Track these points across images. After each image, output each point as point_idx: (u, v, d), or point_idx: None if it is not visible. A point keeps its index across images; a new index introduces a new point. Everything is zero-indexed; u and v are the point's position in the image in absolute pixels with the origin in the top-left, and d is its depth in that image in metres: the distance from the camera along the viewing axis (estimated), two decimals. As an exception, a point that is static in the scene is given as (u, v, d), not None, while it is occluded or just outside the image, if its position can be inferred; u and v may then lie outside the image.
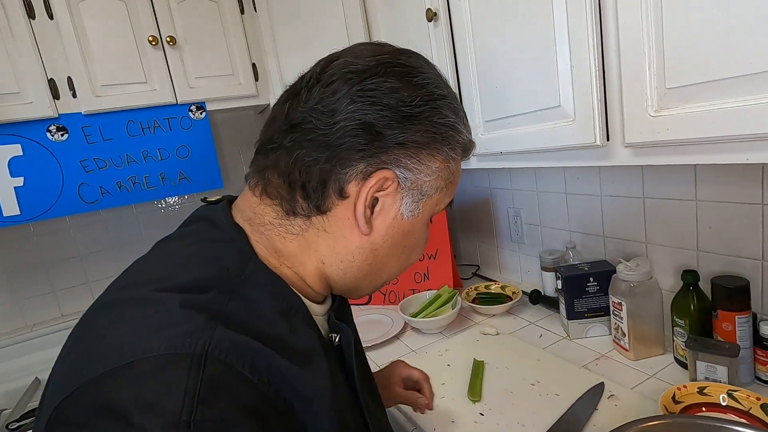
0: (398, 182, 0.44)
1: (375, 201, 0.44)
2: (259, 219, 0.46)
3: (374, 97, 0.41)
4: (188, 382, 0.31)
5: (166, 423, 0.29)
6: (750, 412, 0.68)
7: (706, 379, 0.76)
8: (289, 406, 0.37)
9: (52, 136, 1.23)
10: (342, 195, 0.43)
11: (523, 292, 1.31)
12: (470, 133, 0.49)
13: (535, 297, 1.26)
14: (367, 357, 1.10)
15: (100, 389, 0.31)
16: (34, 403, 1.25)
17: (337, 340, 0.48)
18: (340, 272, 0.47)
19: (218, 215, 0.47)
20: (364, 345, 0.74)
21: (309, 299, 0.47)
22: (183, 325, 0.34)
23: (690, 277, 0.85)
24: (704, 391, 0.73)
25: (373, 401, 0.56)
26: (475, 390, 0.87)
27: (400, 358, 1.09)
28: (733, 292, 0.78)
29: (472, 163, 1.02)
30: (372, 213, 0.45)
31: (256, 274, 0.42)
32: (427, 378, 0.79)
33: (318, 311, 0.48)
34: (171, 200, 1.66)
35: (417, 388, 0.79)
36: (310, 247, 0.46)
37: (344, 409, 0.44)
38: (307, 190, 0.43)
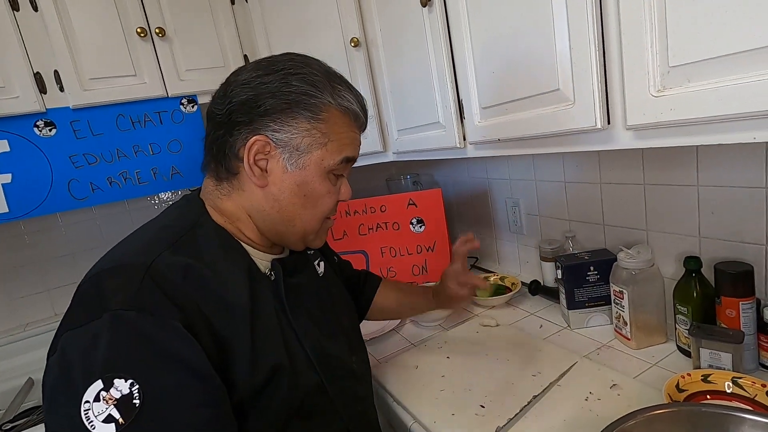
0: (273, 143, 0.58)
1: (266, 162, 0.59)
2: (207, 190, 0.64)
3: (247, 83, 0.57)
4: (135, 284, 0.48)
5: (122, 301, 0.47)
6: (755, 398, 0.67)
7: (710, 366, 0.75)
8: (209, 309, 0.52)
9: (40, 131, 1.20)
10: (238, 157, 0.59)
11: (522, 282, 1.30)
12: (345, 100, 0.60)
13: (535, 287, 1.25)
14: (368, 351, 1.08)
15: (96, 276, 0.51)
16: (28, 404, 1.23)
17: (271, 275, 0.62)
18: (261, 221, 0.62)
19: (191, 195, 0.65)
20: (364, 338, 0.87)
21: (253, 248, 0.63)
22: (145, 248, 0.54)
23: (693, 263, 0.83)
24: (708, 378, 0.72)
25: (324, 333, 0.67)
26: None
27: (399, 352, 1.08)
28: (737, 278, 0.77)
29: (469, 152, 1.00)
30: (265, 172, 0.59)
31: (206, 223, 0.60)
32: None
33: (261, 257, 0.63)
34: (164, 196, 1.62)
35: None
36: (238, 205, 0.62)
37: (271, 326, 0.58)
38: (219, 158, 0.61)
